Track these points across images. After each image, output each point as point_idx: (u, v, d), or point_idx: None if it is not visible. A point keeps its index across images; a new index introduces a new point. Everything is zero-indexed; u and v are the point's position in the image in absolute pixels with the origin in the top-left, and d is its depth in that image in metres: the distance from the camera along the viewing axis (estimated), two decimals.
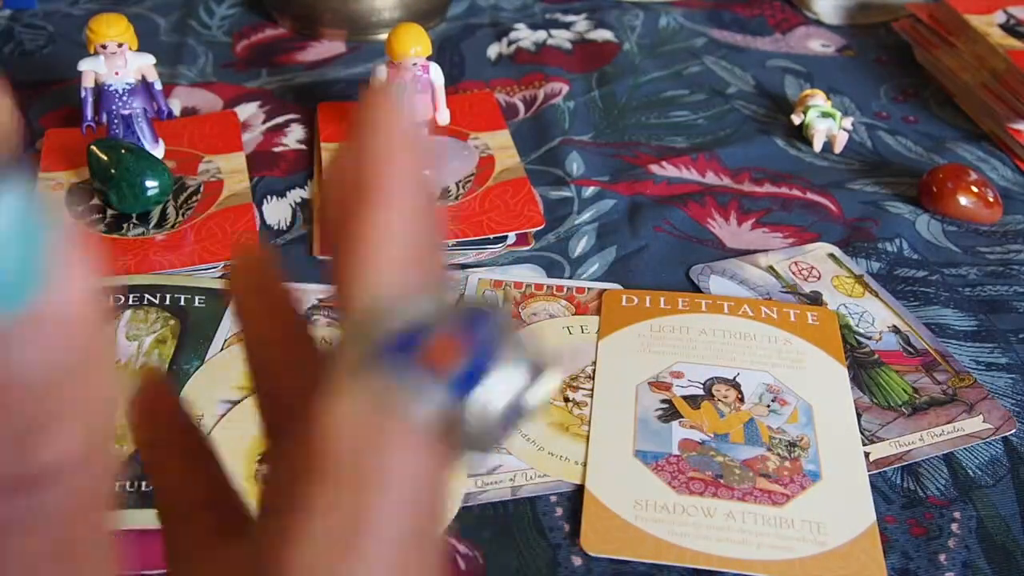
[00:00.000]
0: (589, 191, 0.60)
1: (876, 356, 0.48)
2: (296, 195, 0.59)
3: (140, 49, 0.57)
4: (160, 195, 0.54)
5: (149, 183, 0.53)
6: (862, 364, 0.47)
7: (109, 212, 0.55)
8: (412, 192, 0.16)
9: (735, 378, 0.46)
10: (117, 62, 0.56)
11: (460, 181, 0.58)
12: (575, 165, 0.62)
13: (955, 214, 0.58)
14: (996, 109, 0.66)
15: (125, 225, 0.54)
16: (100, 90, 0.57)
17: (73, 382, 0.12)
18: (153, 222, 0.55)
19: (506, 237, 0.55)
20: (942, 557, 0.39)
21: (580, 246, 0.55)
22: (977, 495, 0.41)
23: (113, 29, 0.55)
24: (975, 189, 0.58)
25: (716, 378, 0.46)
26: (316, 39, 0.77)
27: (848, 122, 0.64)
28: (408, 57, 0.57)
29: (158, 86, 0.58)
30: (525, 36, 0.79)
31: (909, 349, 0.48)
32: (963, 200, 0.57)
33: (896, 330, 0.49)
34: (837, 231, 0.57)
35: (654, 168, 0.62)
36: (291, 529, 0.15)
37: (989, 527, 0.40)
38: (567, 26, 0.81)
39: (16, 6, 0.80)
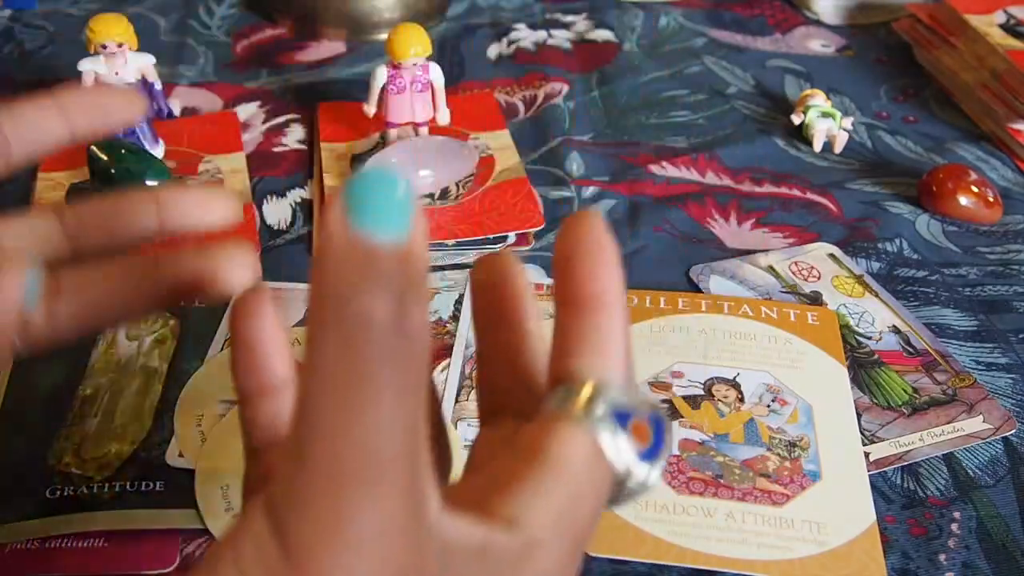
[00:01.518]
0: (589, 191, 0.60)
1: (876, 356, 0.48)
2: (296, 195, 0.59)
3: (140, 49, 0.57)
4: None
5: (149, 183, 0.53)
6: (862, 364, 0.47)
7: None
8: (626, 305, 0.23)
9: (735, 378, 0.46)
10: (117, 62, 0.56)
11: (460, 181, 0.58)
12: (575, 165, 0.62)
13: (955, 214, 0.58)
14: (996, 109, 0.66)
15: None
16: None
17: (425, 288, 0.17)
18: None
19: (506, 237, 0.55)
20: (942, 557, 0.39)
21: None
22: (977, 495, 0.41)
23: (113, 29, 0.55)
24: (975, 189, 0.58)
25: (716, 378, 0.46)
26: (316, 39, 0.77)
27: (848, 122, 0.64)
28: (408, 57, 0.57)
29: (158, 86, 0.58)
30: (525, 36, 0.79)
31: (909, 349, 0.48)
32: (963, 200, 0.57)
33: (896, 330, 0.49)
34: (837, 231, 0.57)
35: (654, 168, 0.62)
36: (522, 499, 0.20)
37: (989, 527, 0.40)
38: (567, 26, 0.81)
39: (16, 6, 0.80)
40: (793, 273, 0.53)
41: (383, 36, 0.71)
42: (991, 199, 0.58)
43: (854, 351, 0.48)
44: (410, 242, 0.17)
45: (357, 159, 0.60)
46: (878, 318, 0.50)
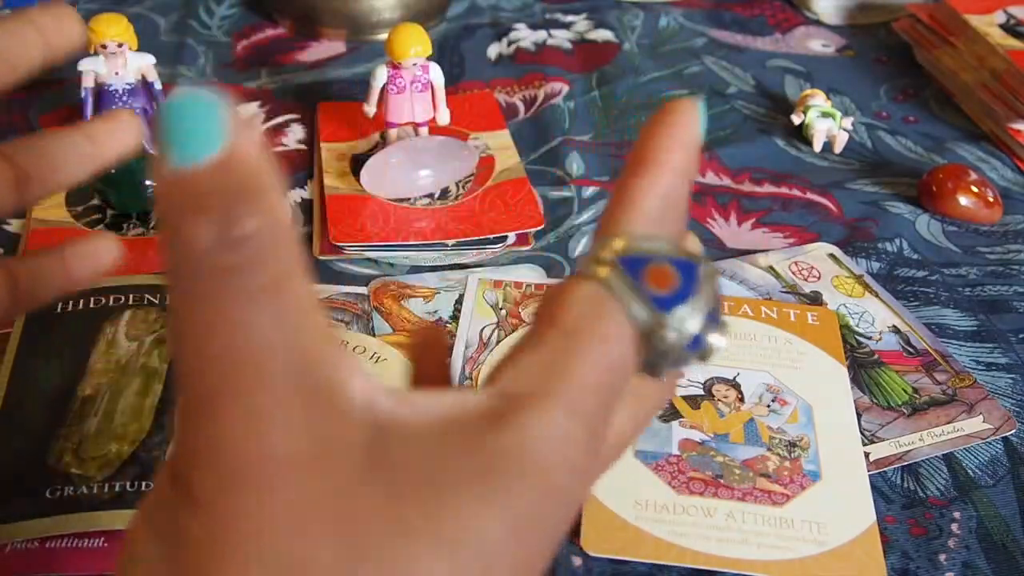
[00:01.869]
0: (589, 191, 0.60)
1: (876, 356, 0.48)
2: (296, 195, 0.59)
3: (140, 49, 0.57)
4: None
5: (149, 183, 0.53)
6: (862, 364, 0.47)
7: (109, 212, 0.55)
8: (678, 173, 0.22)
9: (735, 378, 0.46)
10: (117, 62, 0.56)
11: (460, 181, 0.58)
12: (575, 165, 0.62)
13: (955, 214, 0.58)
14: (996, 109, 0.66)
15: (125, 225, 0.54)
16: (100, 90, 0.57)
17: (259, 192, 0.17)
18: (153, 222, 0.55)
19: (506, 237, 0.55)
20: (942, 557, 0.39)
21: (580, 246, 0.55)
22: (977, 495, 0.41)
23: (113, 29, 0.55)
24: (975, 189, 0.58)
25: (716, 378, 0.46)
26: (316, 39, 0.77)
27: (848, 122, 0.64)
28: (408, 57, 0.57)
29: (158, 86, 0.58)
30: (525, 36, 0.79)
31: (909, 349, 0.48)
32: (963, 200, 0.57)
33: (896, 330, 0.49)
34: (837, 231, 0.57)
35: None
36: (511, 364, 0.19)
37: (989, 527, 0.40)
38: (567, 26, 0.81)
39: (16, 6, 0.80)
40: (793, 273, 0.53)
41: (383, 36, 0.71)
42: (991, 199, 0.58)
43: (854, 351, 0.48)
44: (230, 151, 0.16)
45: (357, 159, 0.60)
46: (878, 318, 0.50)
